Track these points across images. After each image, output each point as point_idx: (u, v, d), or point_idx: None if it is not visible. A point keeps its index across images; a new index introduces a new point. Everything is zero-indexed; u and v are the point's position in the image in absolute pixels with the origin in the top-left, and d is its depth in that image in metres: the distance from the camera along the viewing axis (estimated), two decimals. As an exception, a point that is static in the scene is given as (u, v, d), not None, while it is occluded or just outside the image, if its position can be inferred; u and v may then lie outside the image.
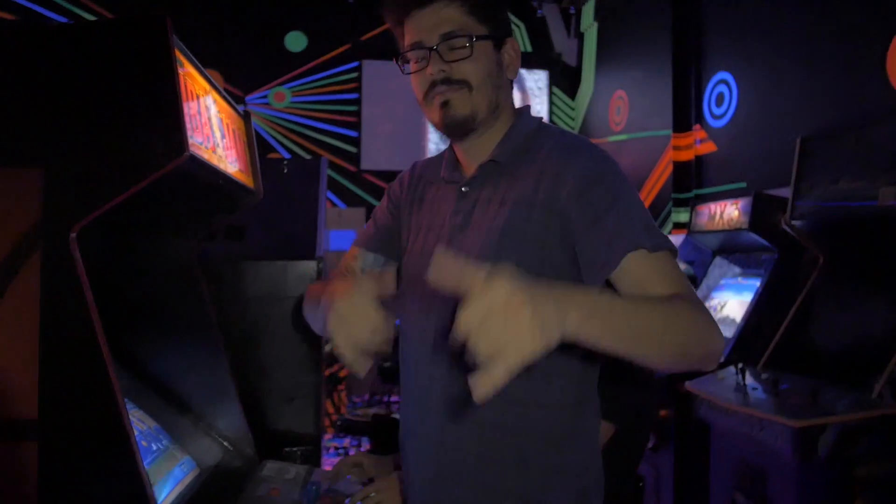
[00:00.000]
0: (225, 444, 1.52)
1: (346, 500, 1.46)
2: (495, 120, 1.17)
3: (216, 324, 1.53)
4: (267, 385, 1.79)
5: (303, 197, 1.94)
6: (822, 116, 3.60)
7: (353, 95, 6.76)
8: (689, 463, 3.15)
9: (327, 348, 1.61)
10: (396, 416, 2.59)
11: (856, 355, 2.53)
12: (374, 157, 6.87)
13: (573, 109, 7.28)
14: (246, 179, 1.50)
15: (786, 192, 3.20)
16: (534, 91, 7.27)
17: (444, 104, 1.12)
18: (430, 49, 1.12)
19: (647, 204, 5.75)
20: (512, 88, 1.22)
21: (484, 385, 0.71)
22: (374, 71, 6.82)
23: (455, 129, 1.15)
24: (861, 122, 2.70)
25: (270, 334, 1.79)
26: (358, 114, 6.79)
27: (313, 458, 1.77)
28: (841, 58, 3.55)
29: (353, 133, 6.75)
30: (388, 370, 3.90)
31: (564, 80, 7.29)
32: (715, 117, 4.73)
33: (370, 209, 6.56)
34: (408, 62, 1.16)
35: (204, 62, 1.18)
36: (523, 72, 7.19)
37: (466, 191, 1.17)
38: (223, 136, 1.34)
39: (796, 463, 2.28)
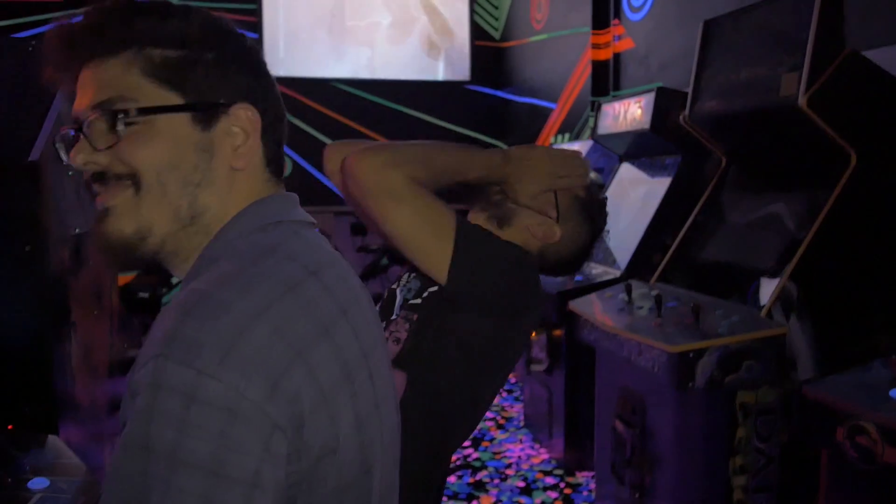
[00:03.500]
0: None
1: None
2: (201, 237, 0.72)
3: None
4: None
5: (43, 85, 1.50)
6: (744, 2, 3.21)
7: (251, -9, 6.08)
8: (579, 386, 2.91)
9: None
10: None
11: (750, 267, 2.25)
12: (287, 62, 6.27)
13: (497, 8, 6.73)
14: None
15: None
16: (454, -13, 6.67)
17: (101, 215, 0.70)
18: (79, 130, 0.69)
19: (565, 111, 5.41)
20: (242, 183, 0.74)
21: None
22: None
23: (113, 260, 0.71)
24: (752, 6, 2.33)
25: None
26: (258, 13, 6.12)
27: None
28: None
29: (251, 34, 6.09)
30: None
31: (488, -24, 6.70)
32: (633, 10, 4.30)
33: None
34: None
35: None
36: (441, -35, 6.57)
37: None
38: None
39: (674, 391, 2.03)
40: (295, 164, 6.29)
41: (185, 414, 0.56)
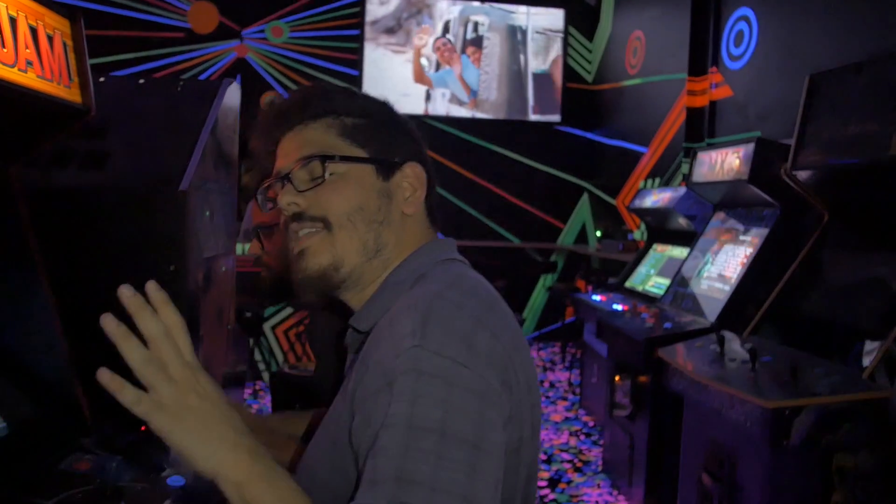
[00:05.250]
0: (46, 399, 1.30)
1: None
2: (380, 269, 0.86)
3: (37, 251, 1.30)
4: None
5: (190, 122, 1.67)
6: (848, 56, 3.17)
7: (354, 32, 6.40)
8: (663, 435, 2.87)
9: None
10: (295, 372, 2.39)
11: (851, 327, 2.20)
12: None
13: (590, 52, 6.82)
14: (66, 94, 1.23)
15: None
16: (549, 32, 6.80)
17: (300, 254, 0.85)
18: (284, 178, 0.86)
19: (656, 155, 5.38)
20: (411, 226, 0.89)
21: (112, 381, 0.63)
22: (379, 3, 6.43)
23: (310, 289, 0.86)
24: (862, 63, 2.31)
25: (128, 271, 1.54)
26: (360, 51, 6.44)
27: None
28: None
29: (353, 72, 6.41)
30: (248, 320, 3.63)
31: (582, 20, 6.80)
32: (733, 58, 4.28)
33: (369, 153, 6.27)
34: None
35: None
36: (539, 10, 6.72)
37: (352, 358, 0.90)
38: (14, 39, 1.07)
39: (767, 447, 1.99)
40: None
41: (448, 396, 0.66)
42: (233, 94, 1.91)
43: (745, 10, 4.15)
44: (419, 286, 0.80)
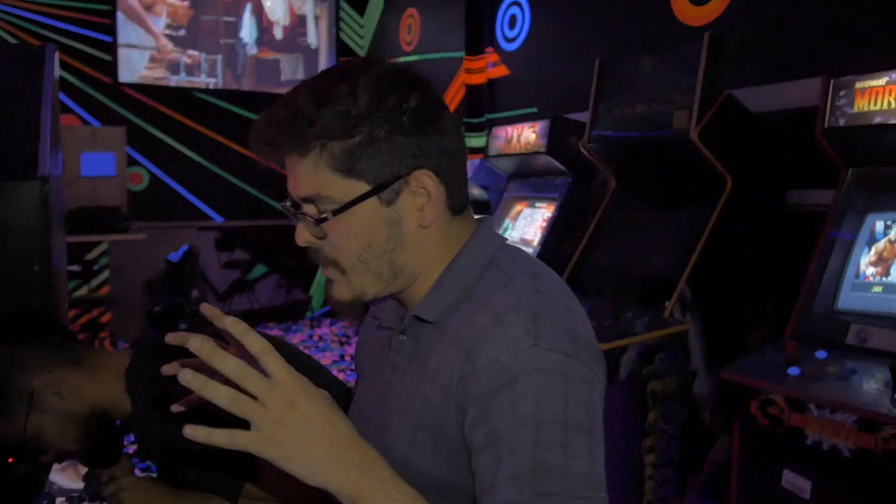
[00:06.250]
0: None
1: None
2: (409, 281, 0.85)
3: None
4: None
5: (19, 96, 1.43)
6: (611, 45, 3.66)
7: (103, -8, 5.71)
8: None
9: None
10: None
11: (649, 276, 2.61)
12: (135, 66, 5.92)
13: (362, 27, 6.88)
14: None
15: (580, 116, 3.22)
16: (320, 6, 6.71)
17: (328, 282, 0.86)
18: (294, 211, 0.83)
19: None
20: (434, 233, 0.84)
21: (198, 431, 0.63)
22: (130, -36, 5.79)
23: (344, 311, 0.85)
24: (645, 50, 2.74)
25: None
26: (112, 14, 5.75)
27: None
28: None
29: (105, 38, 5.72)
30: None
31: (352, -6, 6.83)
32: (508, 40, 4.66)
33: (132, 128, 5.69)
34: None
35: None
36: (308, -19, 6.59)
37: (403, 340, 0.87)
38: None
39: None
40: (153, 176, 5.97)
41: (566, 389, 0.71)
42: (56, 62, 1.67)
43: (517, -4, 4.54)
44: (499, 276, 0.81)
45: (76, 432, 1.13)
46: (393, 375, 0.87)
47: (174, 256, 4.67)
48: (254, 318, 5.76)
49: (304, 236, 0.82)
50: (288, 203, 0.84)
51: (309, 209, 0.81)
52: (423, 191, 0.80)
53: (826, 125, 2.10)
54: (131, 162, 5.74)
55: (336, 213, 0.78)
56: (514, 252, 0.87)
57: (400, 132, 0.78)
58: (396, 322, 0.89)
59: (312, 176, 0.78)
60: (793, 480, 1.75)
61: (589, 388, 0.74)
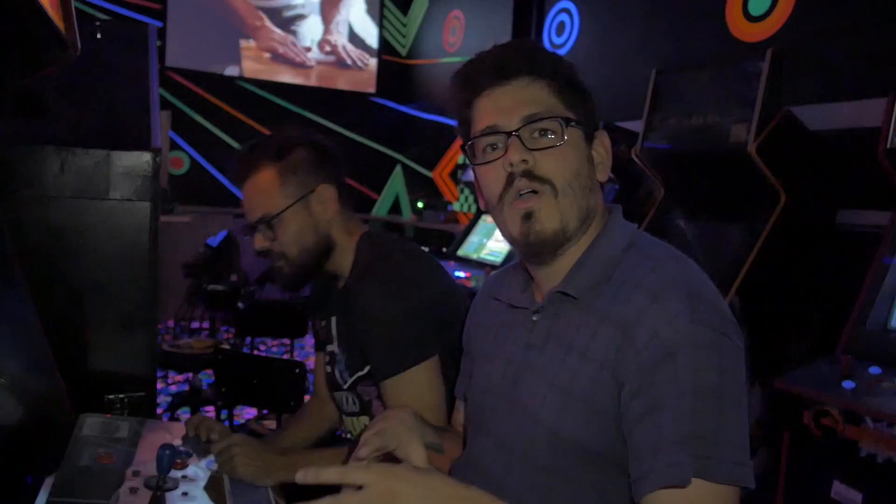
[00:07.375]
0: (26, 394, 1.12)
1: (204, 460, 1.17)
2: (582, 234, 0.91)
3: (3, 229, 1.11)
4: (80, 313, 1.37)
5: (127, 71, 1.49)
6: (662, 56, 3.69)
7: (158, -22, 5.83)
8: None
9: None
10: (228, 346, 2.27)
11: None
12: (186, 52, 6.03)
13: (405, 26, 6.95)
14: (58, 21, 1.07)
15: (628, 125, 3.26)
16: (365, 4, 6.79)
17: (527, 216, 0.86)
18: (510, 133, 0.86)
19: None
20: (602, 194, 0.95)
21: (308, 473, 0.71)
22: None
23: (540, 250, 0.89)
24: (703, 64, 2.77)
25: (84, 247, 1.37)
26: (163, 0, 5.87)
27: (145, 408, 1.41)
28: (682, 5, 3.66)
29: (157, 22, 5.84)
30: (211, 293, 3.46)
31: (397, -6, 6.91)
32: (555, 47, 4.70)
33: (176, 113, 5.79)
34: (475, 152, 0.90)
35: None
36: (354, -22, 6.67)
37: (537, 320, 0.92)
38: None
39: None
40: (193, 161, 6.07)
41: (721, 361, 0.76)
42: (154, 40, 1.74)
43: (567, 3, 4.58)
44: (643, 259, 0.87)
45: None
46: (528, 353, 0.92)
47: (213, 241, 4.75)
48: (286, 307, 5.83)
49: (521, 153, 0.86)
50: (500, 134, 0.89)
51: (528, 131, 0.88)
52: (605, 149, 0.95)
53: (889, 145, 2.12)
54: (173, 146, 5.85)
55: (571, 124, 0.88)
56: (650, 237, 0.94)
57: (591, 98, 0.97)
58: (529, 302, 0.95)
59: (546, 98, 0.90)
60: (843, 492, 1.77)
61: (738, 361, 0.79)
